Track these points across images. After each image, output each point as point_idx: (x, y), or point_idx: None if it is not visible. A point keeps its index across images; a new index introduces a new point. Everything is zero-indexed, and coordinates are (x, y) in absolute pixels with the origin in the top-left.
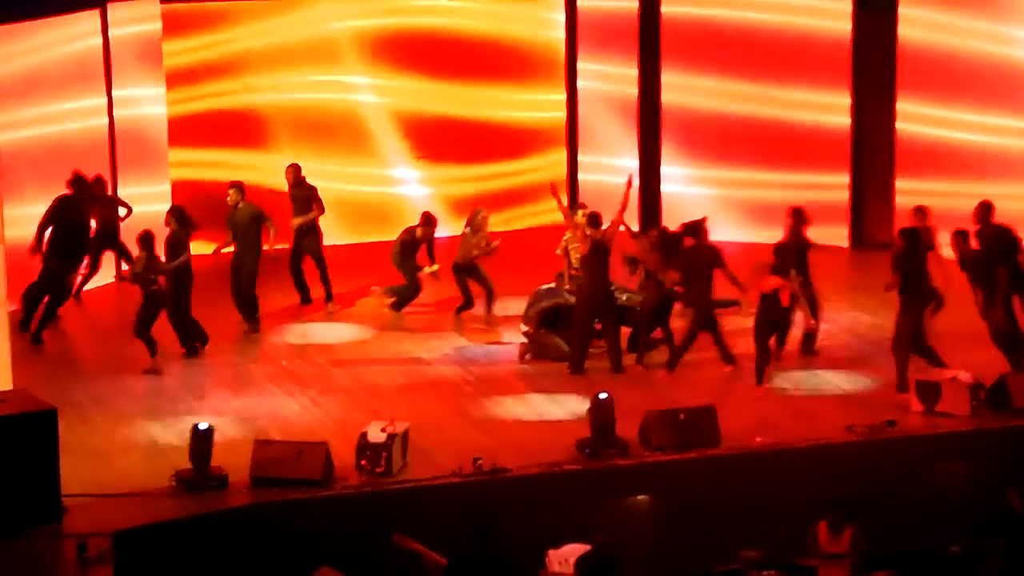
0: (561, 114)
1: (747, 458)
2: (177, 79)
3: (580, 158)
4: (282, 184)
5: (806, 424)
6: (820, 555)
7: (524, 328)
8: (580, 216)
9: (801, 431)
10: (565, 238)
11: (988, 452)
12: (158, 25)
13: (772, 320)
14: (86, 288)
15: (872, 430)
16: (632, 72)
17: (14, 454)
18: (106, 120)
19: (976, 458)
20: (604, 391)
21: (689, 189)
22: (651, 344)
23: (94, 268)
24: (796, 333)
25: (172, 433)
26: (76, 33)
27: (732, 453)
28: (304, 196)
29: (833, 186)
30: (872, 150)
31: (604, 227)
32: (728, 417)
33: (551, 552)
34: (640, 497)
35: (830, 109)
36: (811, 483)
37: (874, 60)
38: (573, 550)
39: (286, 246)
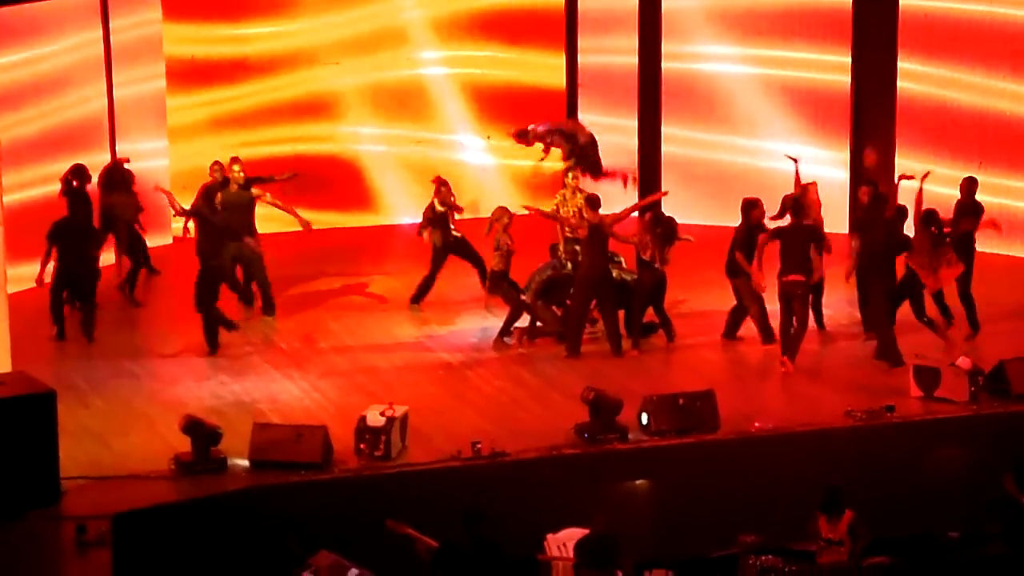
0: None
1: (746, 443)
2: None
3: None
4: None
5: (804, 409)
6: (819, 540)
7: (524, 297)
8: (571, 178)
9: (799, 416)
10: (556, 200)
11: (986, 438)
12: None
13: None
14: None
15: (870, 415)
16: None
17: (13, 436)
18: None
19: (974, 444)
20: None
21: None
22: (648, 328)
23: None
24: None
25: (171, 416)
26: None
27: (731, 438)
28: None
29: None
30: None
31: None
32: (727, 402)
33: (550, 536)
34: (639, 482)
35: None
36: (809, 468)
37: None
38: (572, 534)
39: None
